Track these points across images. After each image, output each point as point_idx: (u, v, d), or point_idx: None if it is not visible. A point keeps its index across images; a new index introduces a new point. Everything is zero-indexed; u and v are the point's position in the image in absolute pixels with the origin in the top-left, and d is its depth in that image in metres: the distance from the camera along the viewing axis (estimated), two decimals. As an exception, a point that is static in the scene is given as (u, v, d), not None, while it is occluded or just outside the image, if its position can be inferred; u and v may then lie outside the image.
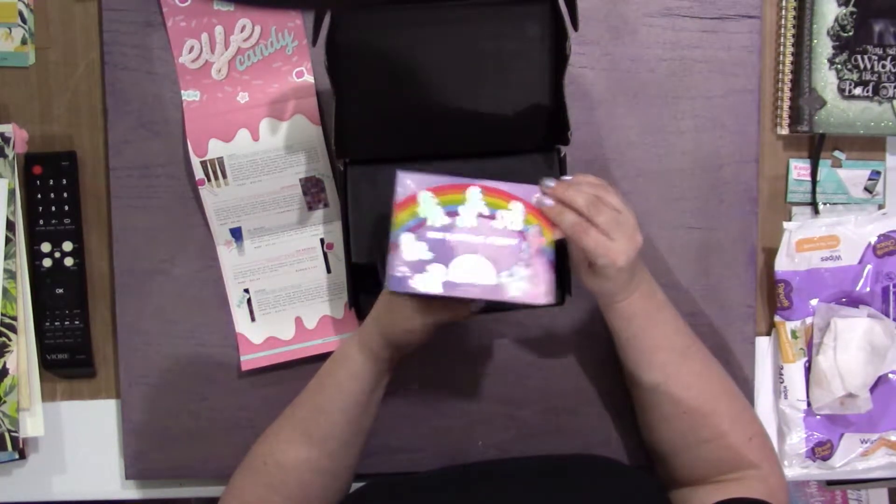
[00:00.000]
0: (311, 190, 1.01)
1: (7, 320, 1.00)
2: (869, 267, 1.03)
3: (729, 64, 1.03)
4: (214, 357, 1.03)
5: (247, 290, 1.02)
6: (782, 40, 1.04)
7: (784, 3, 1.04)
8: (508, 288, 0.82)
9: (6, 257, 0.99)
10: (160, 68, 1.01)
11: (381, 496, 0.92)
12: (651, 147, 1.03)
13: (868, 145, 1.06)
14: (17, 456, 1.02)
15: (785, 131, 1.04)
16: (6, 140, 1.00)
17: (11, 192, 1.00)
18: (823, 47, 1.02)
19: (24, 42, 1.01)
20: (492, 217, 0.83)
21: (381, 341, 0.88)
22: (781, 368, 1.04)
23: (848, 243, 1.03)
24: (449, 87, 0.92)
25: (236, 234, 1.01)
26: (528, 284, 0.82)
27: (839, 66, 1.02)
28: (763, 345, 1.06)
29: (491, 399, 1.04)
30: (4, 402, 0.99)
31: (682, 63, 1.03)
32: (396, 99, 0.92)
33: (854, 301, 1.04)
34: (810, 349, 1.04)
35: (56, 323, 1.02)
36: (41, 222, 1.02)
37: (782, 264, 1.03)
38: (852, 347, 1.01)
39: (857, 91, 1.03)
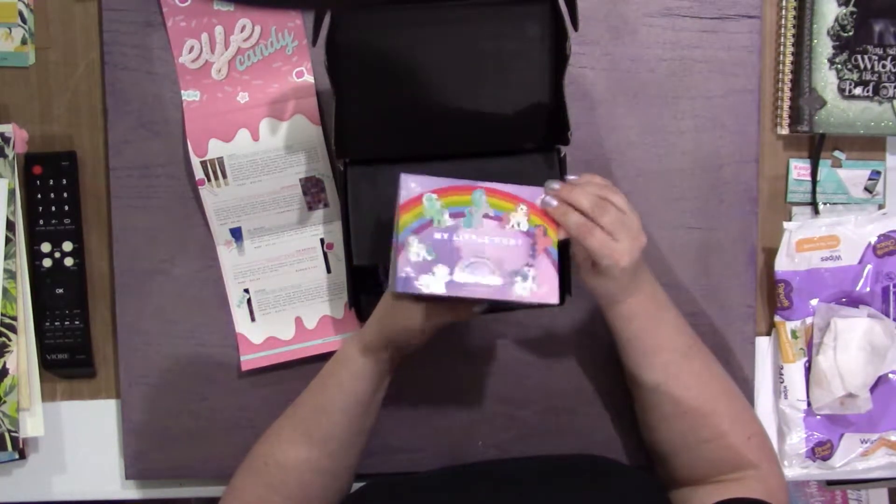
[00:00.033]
0: (311, 190, 1.01)
1: (7, 320, 1.00)
2: (869, 267, 1.03)
3: (729, 64, 1.03)
4: (214, 357, 1.03)
5: (247, 290, 1.02)
6: (782, 40, 1.04)
7: (784, 3, 1.04)
8: (514, 288, 0.82)
9: (6, 257, 0.99)
10: (160, 68, 1.01)
11: (381, 496, 0.92)
12: (651, 147, 1.03)
13: (868, 145, 1.06)
14: (17, 456, 1.02)
15: (785, 131, 1.04)
16: (6, 140, 1.00)
17: (11, 192, 1.00)
18: (823, 47, 1.02)
19: (24, 42, 1.01)
20: (497, 218, 0.83)
21: (382, 342, 0.88)
22: (781, 368, 1.04)
23: (848, 243, 1.03)
24: (449, 87, 0.92)
25: (236, 234, 1.01)
26: (534, 284, 0.82)
27: (839, 66, 1.02)
28: (763, 345, 1.06)
29: (491, 399, 1.04)
30: (4, 402, 0.99)
31: (682, 63, 1.03)
32: (396, 99, 0.92)
33: (854, 301, 1.04)
34: (810, 349, 1.04)
35: (56, 323, 1.02)
36: (41, 222, 1.02)
37: (782, 264, 1.03)
38: (852, 347, 1.01)
39: (858, 91, 1.03)
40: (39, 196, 1.02)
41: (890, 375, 1.04)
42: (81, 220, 1.02)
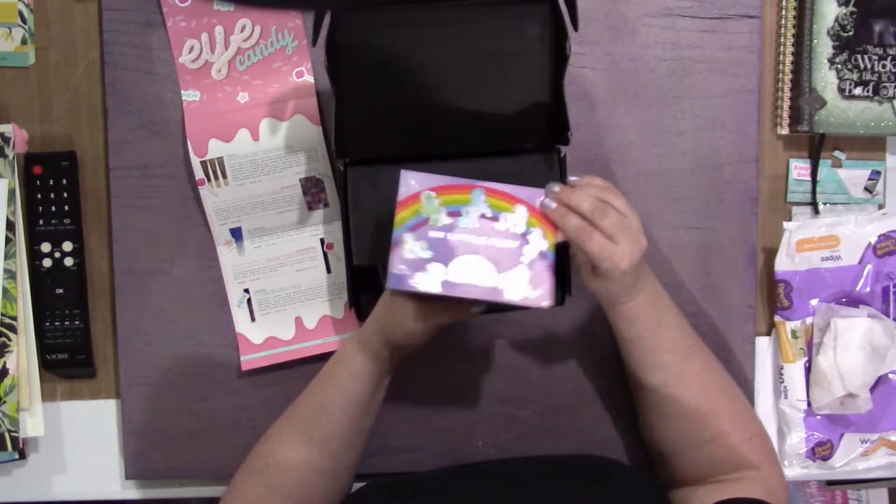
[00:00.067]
0: (311, 190, 1.01)
1: (7, 320, 1.00)
2: (869, 267, 1.03)
3: (729, 64, 1.03)
4: (214, 357, 1.03)
5: (247, 290, 1.02)
6: (782, 40, 1.04)
7: (784, 3, 1.04)
8: (507, 290, 0.82)
9: (6, 257, 0.99)
10: (160, 68, 1.01)
11: (381, 496, 0.92)
12: (651, 147, 1.03)
13: (868, 145, 1.06)
14: (17, 456, 1.02)
15: (785, 131, 1.04)
16: (6, 140, 1.00)
17: (11, 192, 1.00)
18: (823, 47, 1.02)
19: (24, 42, 1.01)
20: (494, 219, 0.83)
21: (381, 341, 0.88)
22: (781, 368, 1.04)
23: (848, 243, 1.03)
24: (449, 87, 0.92)
25: (236, 234, 1.01)
26: (528, 288, 0.82)
27: (839, 66, 1.02)
28: (763, 345, 1.06)
29: (491, 399, 1.04)
30: (4, 402, 0.99)
31: (682, 63, 1.03)
32: (396, 99, 0.92)
33: (854, 301, 1.04)
34: (810, 349, 1.04)
35: (56, 323, 1.02)
36: (41, 222, 1.02)
37: (782, 264, 1.03)
38: (852, 347, 1.01)
39: (858, 91, 1.03)
40: (39, 196, 1.02)
41: (890, 375, 1.04)
42: (81, 220, 1.02)
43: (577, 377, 1.04)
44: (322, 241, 1.02)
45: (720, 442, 0.90)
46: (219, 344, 1.03)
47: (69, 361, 1.03)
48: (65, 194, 1.02)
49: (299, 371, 1.02)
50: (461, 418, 1.04)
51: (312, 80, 1.01)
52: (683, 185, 1.03)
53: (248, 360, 1.02)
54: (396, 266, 0.82)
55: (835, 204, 1.06)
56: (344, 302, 1.02)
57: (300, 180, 1.00)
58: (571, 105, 0.91)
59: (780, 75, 1.04)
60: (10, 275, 1.00)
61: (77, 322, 1.02)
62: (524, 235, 0.83)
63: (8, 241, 1.00)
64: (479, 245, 0.82)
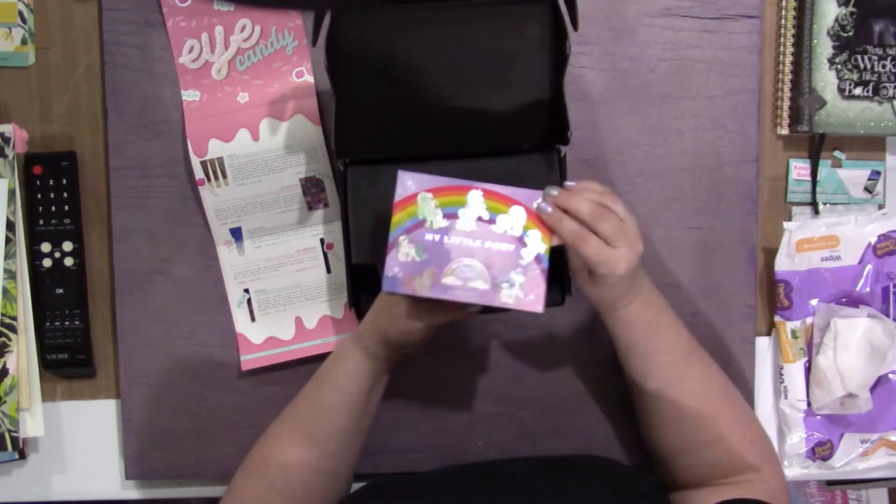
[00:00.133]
0: (311, 190, 1.01)
1: (7, 320, 1.00)
2: (869, 267, 1.03)
3: (729, 64, 1.03)
4: (214, 357, 1.03)
5: (247, 290, 1.02)
6: (782, 40, 1.04)
7: (784, 3, 1.04)
8: (500, 294, 0.81)
9: (6, 257, 0.99)
10: (160, 68, 1.01)
11: (381, 496, 0.92)
12: (651, 147, 1.03)
13: (868, 145, 1.06)
14: (17, 456, 1.02)
15: (785, 131, 1.04)
16: (6, 140, 1.00)
17: (11, 192, 1.00)
18: (823, 47, 1.02)
19: (24, 42, 1.01)
20: (491, 221, 0.83)
21: (378, 340, 0.88)
22: (781, 368, 1.04)
23: (848, 243, 1.03)
24: (449, 87, 0.92)
25: (236, 234, 1.01)
26: (521, 292, 0.82)
27: (839, 66, 1.02)
28: (763, 345, 1.06)
29: (491, 399, 1.04)
30: (4, 402, 0.99)
31: (682, 63, 1.03)
32: (396, 99, 0.92)
33: (854, 301, 1.04)
34: (810, 349, 1.04)
35: (56, 323, 1.02)
36: (41, 222, 1.02)
37: (782, 264, 1.03)
38: (852, 347, 1.01)
39: (857, 91, 1.03)
40: (39, 196, 1.02)
41: (890, 375, 1.04)
42: (81, 220, 1.02)
43: (576, 377, 1.04)
44: (322, 241, 1.02)
45: (720, 445, 0.90)
46: (219, 344, 1.03)
47: (69, 361, 1.03)
48: (65, 194, 1.02)
49: (299, 371, 1.02)
50: (461, 418, 1.04)
51: (312, 80, 1.01)
52: (683, 185, 1.03)
53: (248, 360, 1.02)
54: (391, 269, 0.82)
55: (835, 204, 1.06)
56: (344, 302, 1.02)
57: (300, 180, 1.00)
58: (571, 105, 0.91)
59: (780, 75, 1.04)
60: (10, 275, 1.00)
61: (77, 322, 1.02)
62: (521, 238, 0.82)
63: (8, 241, 1.00)
64: (474, 248, 0.82)
